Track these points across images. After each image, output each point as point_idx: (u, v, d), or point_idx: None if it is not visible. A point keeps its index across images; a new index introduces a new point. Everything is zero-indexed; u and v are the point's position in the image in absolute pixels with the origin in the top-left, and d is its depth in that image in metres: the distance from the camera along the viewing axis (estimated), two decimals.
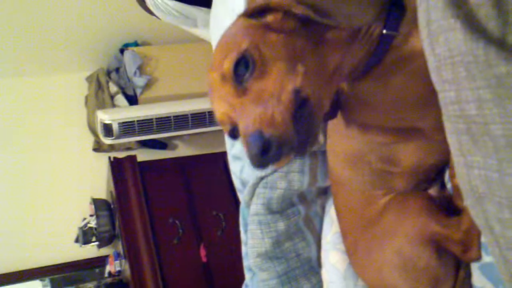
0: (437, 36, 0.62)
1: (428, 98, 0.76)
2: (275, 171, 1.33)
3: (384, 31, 0.81)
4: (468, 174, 0.64)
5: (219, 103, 0.79)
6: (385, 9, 0.80)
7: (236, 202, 3.01)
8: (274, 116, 0.68)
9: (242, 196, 1.48)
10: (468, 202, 0.67)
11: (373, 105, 0.93)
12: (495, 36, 0.56)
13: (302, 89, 0.71)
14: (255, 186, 1.37)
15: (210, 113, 3.24)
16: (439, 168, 1.05)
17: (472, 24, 0.58)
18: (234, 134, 0.81)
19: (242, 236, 1.52)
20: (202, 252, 2.95)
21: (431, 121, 0.87)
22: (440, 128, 0.69)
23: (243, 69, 0.73)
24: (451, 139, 0.66)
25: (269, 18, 0.76)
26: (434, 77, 0.66)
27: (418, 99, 0.87)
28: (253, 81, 0.73)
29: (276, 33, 0.75)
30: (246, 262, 1.50)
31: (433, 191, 1.06)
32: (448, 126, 0.66)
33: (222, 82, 0.76)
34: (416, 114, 0.91)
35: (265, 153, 0.67)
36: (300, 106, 0.71)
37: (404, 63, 0.84)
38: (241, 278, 1.60)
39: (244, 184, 1.50)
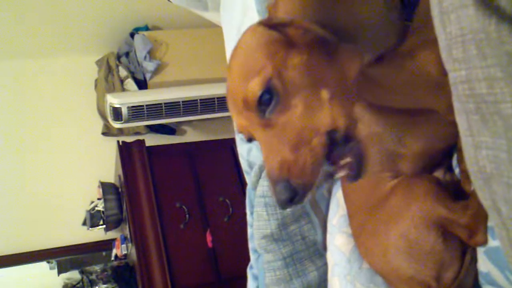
0: (449, 14, 0.62)
1: (442, 79, 0.76)
2: None
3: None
4: (476, 155, 0.64)
5: (239, 117, 0.79)
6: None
7: (243, 188, 3.00)
8: (304, 166, 0.71)
9: (249, 178, 1.48)
10: (475, 183, 0.67)
11: (386, 87, 0.93)
12: (508, 13, 0.56)
13: (335, 125, 0.73)
14: (262, 167, 1.37)
15: (219, 99, 3.23)
16: (447, 152, 1.04)
17: (484, 1, 0.57)
18: (250, 140, 0.83)
19: (248, 217, 1.52)
20: (208, 238, 2.96)
21: (444, 102, 0.86)
22: (450, 111, 0.69)
23: (266, 99, 0.73)
24: (460, 119, 0.66)
25: (291, 31, 0.76)
26: (444, 56, 0.65)
27: (432, 81, 0.87)
28: (277, 114, 0.74)
29: (298, 52, 0.74)
30: (252, 244, 1.50)
31: (440, 174, 1.05)
32: (457, 106, 0.65)
33: (244, 106, 0.76)
34: (429, 95, 0.91)
35: (292, 200, 0.72)
36: (339, 142, 0.74)
37: (418, 49, 0.84)
38: (247, 264, 1.60)
39: (251, 166, 1.50)
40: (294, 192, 0.71)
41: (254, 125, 0.77)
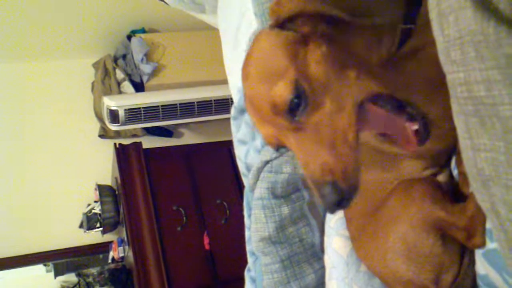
0: (447, 16, 0.61)
1: (438, 84, 0.76)
2: (280, 155, 1.33)
3: (403, 26, 0.81)
4: (475, 157, 0.64)
5: (265, 126, 0.78)
6: (403, 4, 0.80)
7: (241, 191, 3.01)
8: (347, 166, 0.70)
9: (246, 180, 1.48)
10: (474, 186, 0.67)
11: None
12: (507, 16, 0.55)
13: (373, 91, 0.74)
14: (260, 170, 1.37)
15: (216, 101, 3.24)
16: (448, 154, 1.04)
17: (483, 3, 0.57)
18: (278, 149, 0.83)
19: (246, 220, 1.52)
20: (206, 240, 2.95)
21: (439, 109, 0.86)
22: (448, 116, 0.68)
23: (296, 102, 0.72)
24: (458, 122, 0.66)
25: (303, 27, 0.74)
26: (442, 59, 0.65)
27: (428, 85, 0.87)
28: (307, 116, 0.72)
29: (316, 45, 0.73)
30: (249, 246, 1.50)
31: (440, 177, 1.05)
32: (455, 108, 0.65)
33: (273, 113, 0.74)
34: (425, 100, 0.91)
35: (341, 203, 0.70)
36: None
37: (417, 51, 0.85)
38: (244, 267, 1.60)
39: (249, 168, 1.50)
40: (342, 194, 0.70)
41: (285, 131, 0.75)
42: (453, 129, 0.68)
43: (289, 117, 0.73)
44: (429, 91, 0.88)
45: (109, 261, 3.23)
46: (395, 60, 0.85)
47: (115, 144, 3.06)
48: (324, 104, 0.72)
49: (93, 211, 3.21)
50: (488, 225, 0.90)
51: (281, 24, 0.76)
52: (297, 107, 0.72)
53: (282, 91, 0.71)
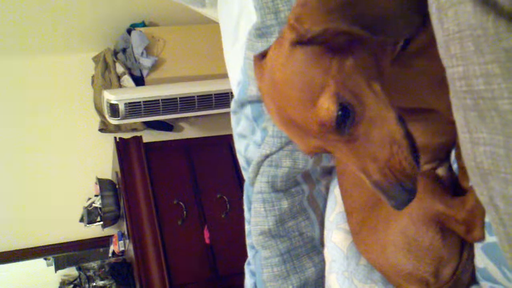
0: (446, 10, 0.61)
1: (444, 78, 0.76)
2: (280, 149, 1.33)
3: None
4: (474, 151, 0.64)
5: (310, 140, 0.77)
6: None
7: (241, 185, 3.01)
8: (404, 164, 0.73)
9: (246, 174, 1.48)
10: (473, 179, 0.67)
11: (390, 87, 0.93)
12: (506, 9, 0.55)
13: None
14: (260, 164, 1.37)
15: (217, 95, 3.23)
16: (447, 148, 1.05)
17: None
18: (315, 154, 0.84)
19: (246, 214, 1.52)
20: (206, 234, 2.96)
21: (447, 102, 0.86)
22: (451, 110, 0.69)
23: (342, 116, 0.71)
24: (457, 116, 0.66)
25: (327, 39, 0.72)
26: (442, 53, 0.65)
27: (437, 80, 0.87)
28: (356, 125, 0.72)
29: (346, 54, 0.72)
30: (249, 240, 1.50)
31: (440, 171, 1.05)
32: (455, 102, 0.65)
33: (321, 129, 0.73)
34: (434, 95, 0.91)
35: (411, 199, 0.74)
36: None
37: (426, 48, 0.84)
38: (244, 260, 1.61)
39: (248, 162, 1.50)
40: (410, 191, 0.73)
41: (334, 143, 0.75)
42: (453, 123, 0.68)
43: (339, 131, 0.72)
44: (438, 85, 0.88)
45: (110, 255, 3.24)
46: (403, 58, 0.85)
47: (115, 138, 3.05)
48: (366, 114, 0.72)
49: (93, 205, 3.21)
50: (487, 219, 0.91)
51: (306, 41, 0.73)
52: (344, 120, 0.71)
53: (328, 107, 0.70)
